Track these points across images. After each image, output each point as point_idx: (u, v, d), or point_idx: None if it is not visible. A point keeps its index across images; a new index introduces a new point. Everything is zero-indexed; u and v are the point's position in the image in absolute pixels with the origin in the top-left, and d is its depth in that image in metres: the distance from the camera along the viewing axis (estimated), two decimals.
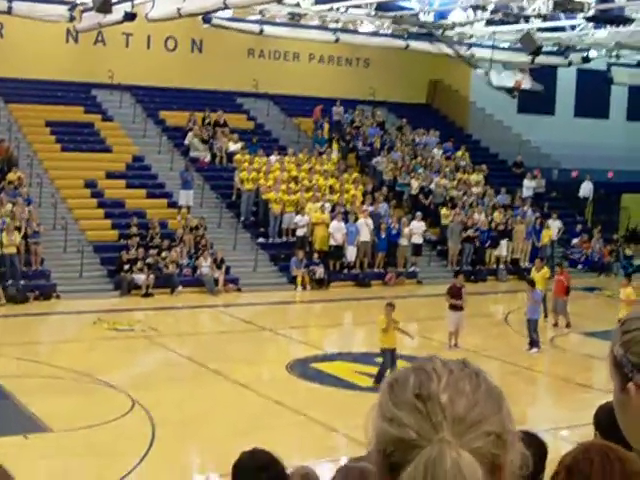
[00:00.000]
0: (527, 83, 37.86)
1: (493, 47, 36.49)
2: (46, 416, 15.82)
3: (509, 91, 38.39)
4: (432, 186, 37.92)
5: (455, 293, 22.76)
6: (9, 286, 27.42)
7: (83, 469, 13.84)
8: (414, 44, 36.02)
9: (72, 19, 30.49)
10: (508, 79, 37.67)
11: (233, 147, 36.84)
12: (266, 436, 12.95)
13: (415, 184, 37.71)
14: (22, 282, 27.73)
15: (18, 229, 28.37)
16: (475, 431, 1.65)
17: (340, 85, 42.06)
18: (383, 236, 33.90)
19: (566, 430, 16.15)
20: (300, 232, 32.98)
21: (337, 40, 35.25)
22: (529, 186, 40.53)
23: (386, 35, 35.93)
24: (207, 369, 20.17)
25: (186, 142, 36.60)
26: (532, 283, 23.49)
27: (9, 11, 29.20)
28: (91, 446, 14.55)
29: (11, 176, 30.98)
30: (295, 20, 33.75)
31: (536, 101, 41.01)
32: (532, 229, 37.26)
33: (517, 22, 32.08)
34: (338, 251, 33.03)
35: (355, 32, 35.34)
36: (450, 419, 1.64)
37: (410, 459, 1.62)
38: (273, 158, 36.33)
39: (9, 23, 34.85)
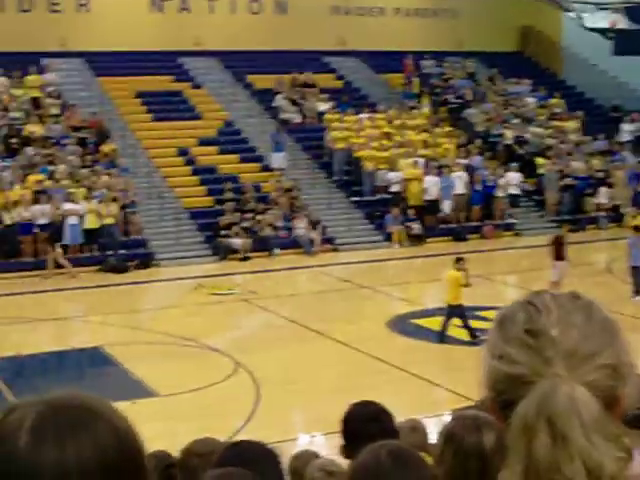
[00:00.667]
0: (622, 23, 36.79)
1: None
2: (152, 381, 16.08)
3: (603, 32, 37.38)
4: (527, 135, 37.28)
5: (558, 244, 22.49)
6: (109, 256, 27.87)
7: (190, 431, 13.95)
8: None
9: None
10: (602, 20, 36.66)
11: (323, 107, 36.72)
12: (369, 393, 12.85)
13: (509, 134, 37.10)
14: (121, 252, 28.16)
15: (115, 200, 28.79)
16: (588, 364, 1.60)
17: (427, 38, 41.49)
18: (478, 189, 33.50)
19: None
20: (394, 188, 32.80)
21: None
22: (628, 130, 39.44)
23: None
24: (307, 329, 20.25)
25: (275, 104, 36.60)
26: (638, 229, 23.00)
27: None
28: (197, 409, 14.74)
29: (105, 148, 31.42)
30: None
31: (632, 41, 39.76)
32: (632, 174, 36.29)
33: None
34: (433, 206, 32.76)
35: None
36: (562, 353, 1.60)
37: (522, 396, 1.57)
38: (363, 116, 36.12)
39: None
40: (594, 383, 1.59)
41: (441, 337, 18.61)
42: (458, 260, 18.92)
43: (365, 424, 4.41)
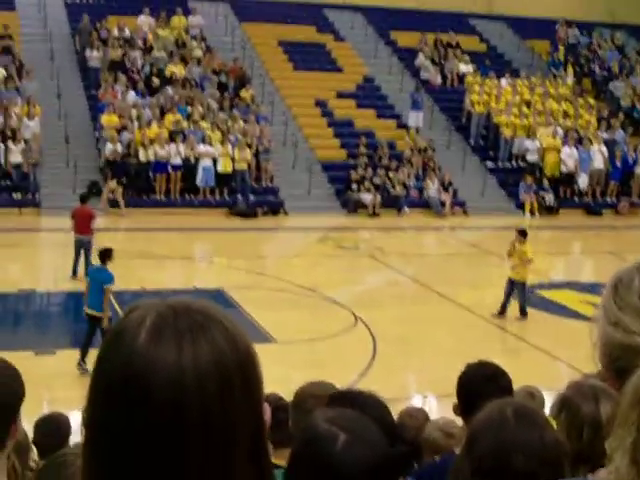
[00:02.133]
0: None
1: None
2: (271, 327, 16.19)
3: None
4: None
5: None
6: (239, 201, 28.16)
7: (305, 380, 14.06)
8: None
9: None
10: None
11: (464, 69, 36.24)
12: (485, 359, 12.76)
13: None
14: (252, 197, 28.42)
15: (249, 146, 29.03)
16: None
17: (578, 7, 40.46)
18: (618, 164, 32.64)
19: None
20: (530, 157, 32.24)
21: None
22: None
23: None
24: (430, 290, 20.11)
25: (417, 63, 36.26)
26: None
27: None
28: (313, 358, 14.78)
29: (244, 94, 31.65)
30: None
31: None
32: None
33: None
34: (569, 178, 32.10)
35: None
36: None
37: (637, 365, 1.50)
38: (505, 81, 35.51)
39: None
40: None
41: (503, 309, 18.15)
42: (524, 234, 18.50)
43: (482, 384, 4.33)
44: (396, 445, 3.48)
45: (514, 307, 18.22)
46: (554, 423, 3.05)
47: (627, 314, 1.56)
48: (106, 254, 14.30)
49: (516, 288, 18.01)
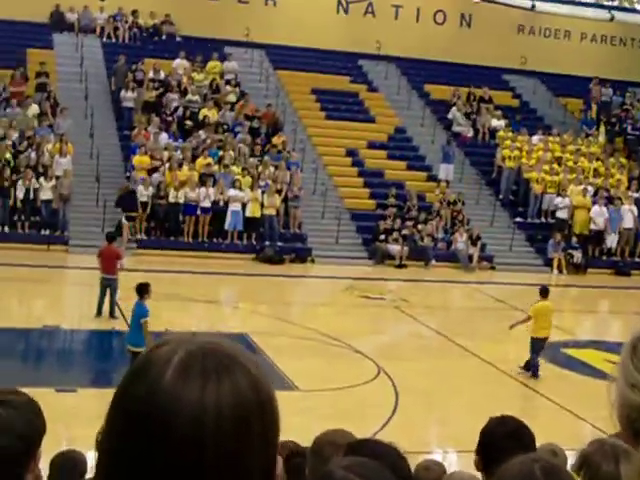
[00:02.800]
0: None
1: None
2: (293, 375, 16.11)
3: None
4: None
5: None
6: (267, 247, 28.20)
7: (326, 429, 13.97)
8: None
9: None
10: None
11: (496, 123, 36.31)
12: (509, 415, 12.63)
13: None
14: (279, 244, 28.46)
15: (279, 192, 29.13)
16: None
17: (611, 65, 40.51)
18: None
19: None
20: (560, 214, 32.16)
21: (612, 19, 34.16)
22: None
23: None
24: (454, 344, 19.99)
25: (449, 116, 36.38)
26: None
27: None
28: (335, 408, 14.68)
29: (276, 140, 31.83)
30: None
31: None
32: None
33: None
34: (598, 236, 32.00)
35: (632, 10, 33.86)
36: None
37: None
38: (536, 137, 35.55)
39: None
40: None
41: (534, 369, 17.92)
42: (547, 292, 18.34)
43: (503, 439, 4.28)
44: None
45: (546, 367, 18.07)
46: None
47: None
48: (143, 289, 14.70)
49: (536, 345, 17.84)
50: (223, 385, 1.46)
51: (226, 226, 28.44)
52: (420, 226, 30.20)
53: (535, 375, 17.73)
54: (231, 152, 30.27)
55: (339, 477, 2.41)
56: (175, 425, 1.43)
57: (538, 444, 5.00)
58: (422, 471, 5.73)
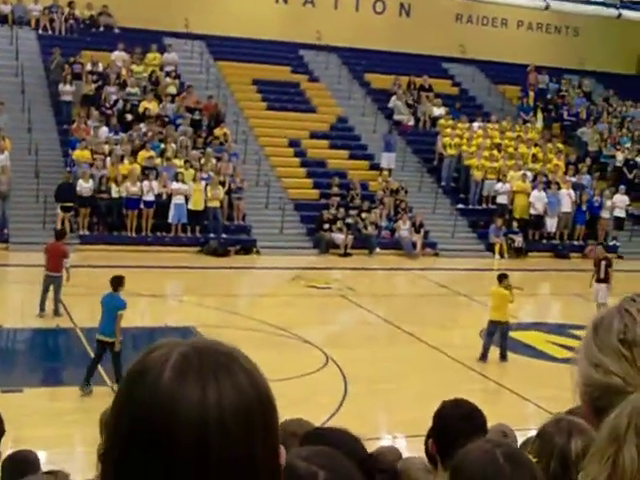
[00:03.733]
0: None
1: None
2: None
3: None
4: (638, 159, 36.64)
5: (598, 265, 22.09)
6: (211, 239, 28.17)
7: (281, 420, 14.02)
8: (627, 13, 34.74)
9: None
10: None
11: (437, 112, 36.57)
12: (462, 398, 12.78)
13: (620, 156, 36.55)
14: (224, 236, 28.43)
15: (222, 184, 29.09)
16: None
17: (548, 53, 41.03)
18: (584, 208, 33.05)
19: None
20: (500, 200, 32.53)
21: (547, 7, 34.54)
22: None
23: (597, 3, 34.72)
24: (401, 330, 20.17)
25: (390, 105, 36.56)
26: None
27: None
28: (284, 398, 14.56)
29: (217, 132, 31.77)
30: None
31: None
32: None
33: None
34: (538, 221, 32.42)
35: None
36: None
37: (615, 405, 1.55)
38: (476, 124, 35.87)
39: None
40: None
41: (485, 354, 18.14)
42: (503, 278, 18.54)
43: (458, 422, 4.35)
44: (376, 477, 3.50)
45: (491, 350, 18.28)
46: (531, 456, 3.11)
47: (607, 355, 1.61)
48: (118, 281, 14.89)
49: (498, 329, 18.03)
50: (222, 383, 1.45)
51: (170, 219, 28.34)
52: (364, 215, 30.35)
53: (482, 358, 17.93)
54: (173, 145, 30.15)
55: (301, 469, 2.43)
56: (178, 427, 1.41)
57: (488, 426, 5.12)
58: (378, 457, 5.81)
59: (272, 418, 1.52)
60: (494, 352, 18.58)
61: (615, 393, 1.58)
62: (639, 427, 1.49)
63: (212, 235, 28.41)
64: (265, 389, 1.52)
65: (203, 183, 28.84)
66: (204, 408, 1.43)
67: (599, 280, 21.94)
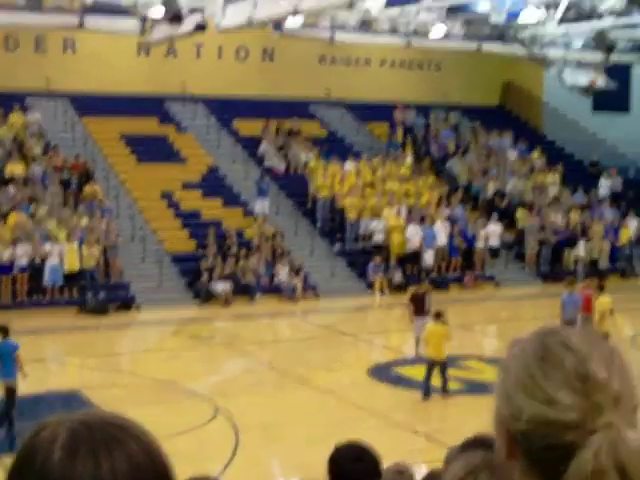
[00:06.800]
0: (601, 81, 37.23)
1: (566, 46, 36.05)
2: None
3: (583, 90, 37.84)
4: (507, 188, 37.57)
5: (418, 300, 21.82)
6: (89, 298, 27.71)
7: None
8: (486, 46, 35.69)
9: (143, 32, 30.76)
10: (582, 78, 37.09)
11: (307, 155, 36.84)
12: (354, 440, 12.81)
13: (490, 187, 37.38)
14: (102, 294, 27.99)
15: (97, 242, 28.68)
16: (630, 407, 1.59)
17: (412, 89, 41.90)
18: (459, 239, 33.67)
19: None
20: (377, 237, 32.87)
21: (408, 44, 35.09)
22: (606, 185, 40.00)
23: (457, 38, 35.59)
24: (288, 376, 20.13)
25: (260, 151, 36.70)
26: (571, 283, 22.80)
27: (81, 25, 29.60)
28: (176, 453, 14.40)
29: (88, 189, 31.34)
30: (366, 25, 33.65)
31: (611, 99, 40.33)
32: (610, 228, 36.68)
33: (590, 20, 31.58)
34: (415, 255, 32.83)
35: (426, 36, 35.01)
36: (610, 398, 1.57)
37: (570, 441, 1.54)
38: (348, 164, 36.26)
39: (81, 38, 35.41)
40: (635, 425, 1.58)
41: (427, 391, 18.33)
42: (438, 315, 18.67)
43: (351, 464, 4.39)
44: None
45: (379, 387, 18.36)
46: None
47: (560, 390, 1.59)
48: (5, 328, 16.11)
49: (436, 367, 18.11)
50: (116, 458, 1.40)
51: (45, 282, 27.78)
52: (242, 262, 30.30)
53: (425, 395, 18.04)
54: (43, 206, 29.63)
55: None
56: None
57: (386, 464, 5.14)
58: None
59: None
60: (379, 389, 18.73)
61: (568, 428, 1.55)
62: (619, 462, 1.50)
63: (90, 294, 27.93)
64: (159, 456, 1.48)
65: (77, 243, 28.38)
66: None
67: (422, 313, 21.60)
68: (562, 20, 32.82)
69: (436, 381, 18.65)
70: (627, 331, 26.33)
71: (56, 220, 29.09)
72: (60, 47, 36.84)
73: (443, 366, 18.17)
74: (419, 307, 21.57)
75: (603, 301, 20.88)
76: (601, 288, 21.97)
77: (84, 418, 1.47)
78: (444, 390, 18.16)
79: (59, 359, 23.67)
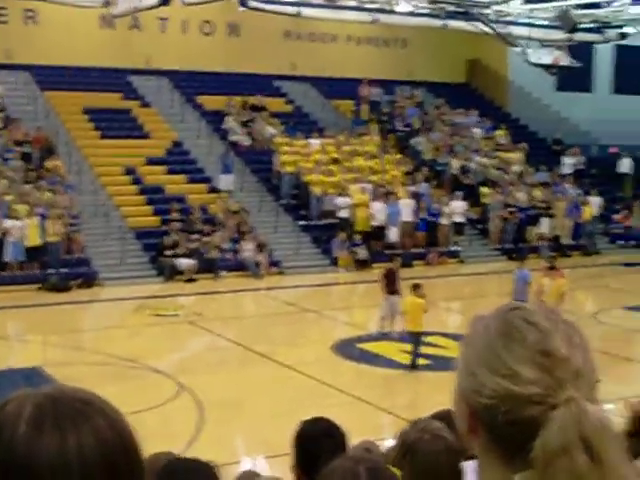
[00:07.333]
0: (565, 60, 37.43)
1: (530, 25, 36.17)
2: None
3: (547, 68, 38.03)
4: (472, 165, 37.66)
5: (390, 277, 21.68)
6: (51, 275, 27.45)
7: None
8: (452, 23, 35.61)
9: (107, 4, 30.41)
10: (546, 56, 37.28)
11: (272, 130, 36.69)
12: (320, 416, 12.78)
13: (455, 164, 37.44)
14: (64, 270, 27.73)
15: (58, 217, 28.37)
16: (590, 383, 1.63)
17: (378, 66, 41.80)
18: (424, 216, 33.73)
19: (613, 403, 15.88)
20: (342, 214, 32.82)
21: (374, 21, 35.00)
22: (569, 163, 40.31)
23: (423, 15, 35.50)
24: (252, 352, 20.07)
25: (225, 126, 36.49)
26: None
27: None
28: (140, 430, 14.38)
29: (49, 164, 31.00)
30: (332, 1, 33.47)
31: (574, 78, 40.50)
32: (573, 206, 36.96)
33: None
34: (380, 232, 32.83)
35: (392, 12, 34.89)
36: (571, 373, 1.61)
37: (531, 415, 1.57)
38: (313, 141, 36.16)
39: (43, 10, 34.94)
40: (595, 401, 1.61)
41: (413, 364, 18.40)
42: (416, 287, 18.73)
43: (318, 440, 4.35)
44: None
45: (343, 364, 18.36)
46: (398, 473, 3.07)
47: (523, 366, 1.61)
48: None
49: (415, 339, 18.15)
50: (82, 432, 1.41)
51: (6, 258, 27.47)
52: (206, 238, 30.14)
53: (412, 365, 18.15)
54: (3, 180, 29.26)
55: None
56: (40, 479, 1.36)
57: (353, 441, 5.09)
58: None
59: (136, 461, 1.49)
60: (343, 366, 18.72)
61: (531, 403, 1.58)
62: (585, 436, 1.51)
63: (51, 270, 27.67)
64: (127, 432, 1.49)
65: (39, 218, 28.06)
66: (65, 457, 1.38)
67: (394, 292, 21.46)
68: None
69: (402, 357, 18.70)
70: (588, 308, 26.50)
71: (17, 195, 28.73)
72: (21, 18, 36.35)
73: (417, 339, 18.23)
74: (391, 284, 21.49)
75: (561, 283, 21.06)
76: (552, 268, 22.10)
77: (50, 392, 1.46)
78: (413, 365, 18.20)
79: (20, 336, 23.47)
